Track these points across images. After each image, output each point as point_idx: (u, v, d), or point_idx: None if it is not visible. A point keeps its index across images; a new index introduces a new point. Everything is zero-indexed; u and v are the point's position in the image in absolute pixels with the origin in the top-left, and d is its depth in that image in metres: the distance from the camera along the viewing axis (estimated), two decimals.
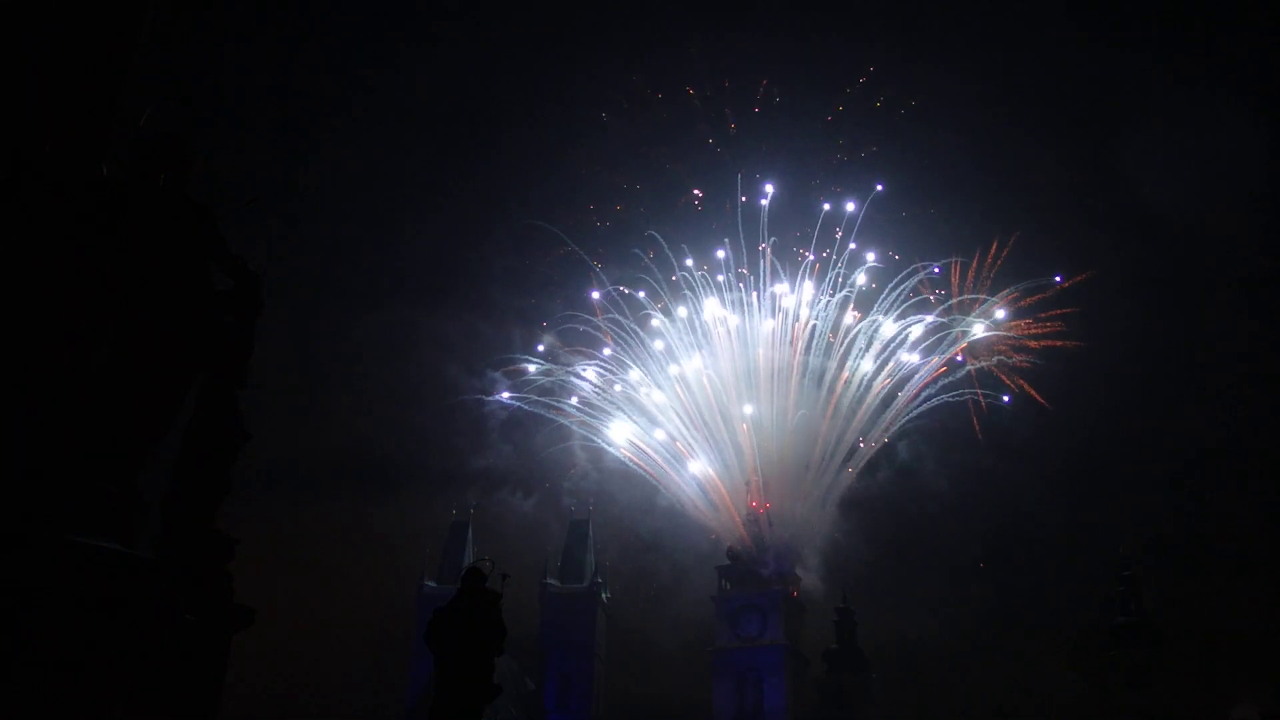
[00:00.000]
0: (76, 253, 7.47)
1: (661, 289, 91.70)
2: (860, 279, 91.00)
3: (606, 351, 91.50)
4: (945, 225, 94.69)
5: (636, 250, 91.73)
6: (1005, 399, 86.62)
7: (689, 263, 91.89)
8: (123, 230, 7.75)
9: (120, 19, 8.01)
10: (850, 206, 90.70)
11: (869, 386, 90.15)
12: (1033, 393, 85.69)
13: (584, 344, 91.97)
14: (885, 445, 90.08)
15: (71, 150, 7.64)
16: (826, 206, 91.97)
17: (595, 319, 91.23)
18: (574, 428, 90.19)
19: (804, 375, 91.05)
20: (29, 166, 7.32)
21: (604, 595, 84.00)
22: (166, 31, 8.80)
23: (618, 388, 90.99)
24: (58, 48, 7.64)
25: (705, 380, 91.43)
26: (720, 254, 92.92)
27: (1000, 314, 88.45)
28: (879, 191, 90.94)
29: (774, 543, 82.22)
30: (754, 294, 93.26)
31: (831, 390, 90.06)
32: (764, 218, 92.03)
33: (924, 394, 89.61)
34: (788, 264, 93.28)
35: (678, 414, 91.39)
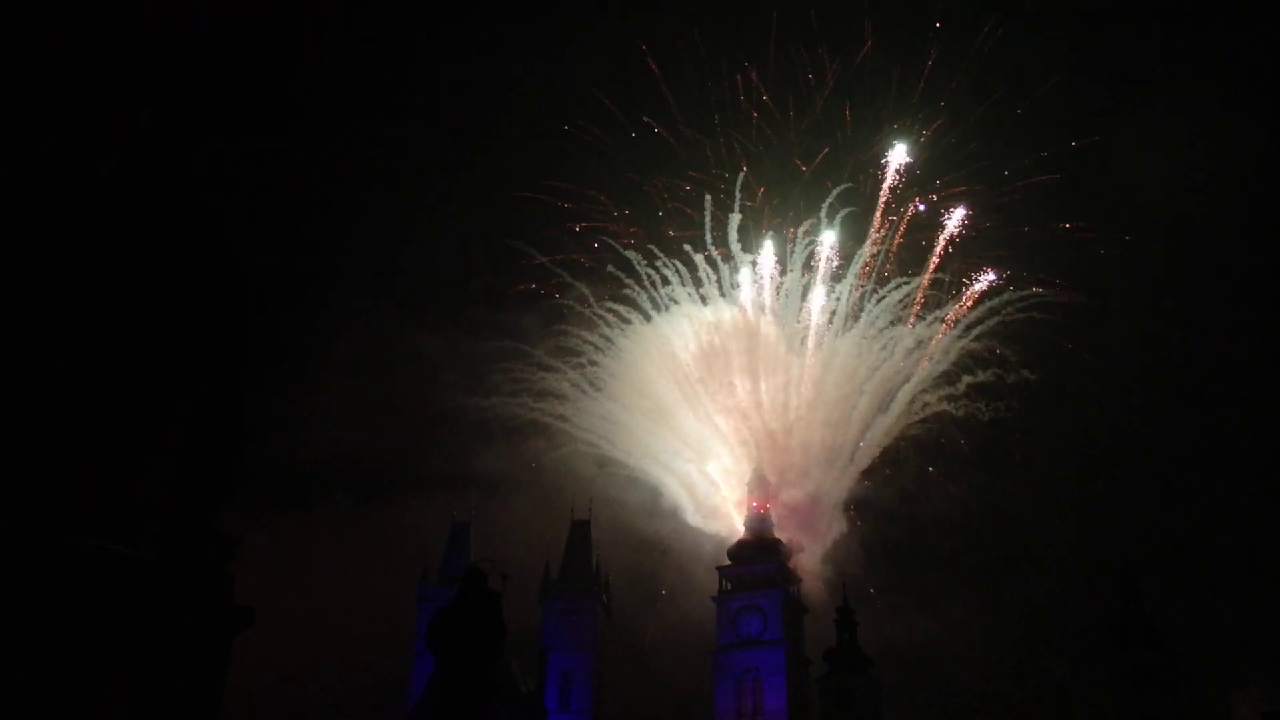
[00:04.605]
0: (78, 255, 7.48)
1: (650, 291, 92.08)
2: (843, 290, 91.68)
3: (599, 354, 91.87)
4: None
5: (614, 269, 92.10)
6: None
7: (672, 277, 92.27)
8: (126, 233, 7.76)
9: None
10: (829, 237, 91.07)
11: (871, 390, 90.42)
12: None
13: (577, 351, 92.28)
14: (887, 448, 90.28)
15: (73, 151, 7.65)
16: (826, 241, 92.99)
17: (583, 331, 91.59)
18: (574, 431, 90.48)
19: (804, 377, 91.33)
20: (32, 167, 7.33)
21: (604, 595, 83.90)
22: (165, 34, 8.82)
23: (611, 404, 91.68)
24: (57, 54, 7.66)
25: (706, 382, 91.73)
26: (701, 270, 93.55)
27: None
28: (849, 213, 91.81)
29: (775, 542, 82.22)
30: (748, 301, 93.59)
31: (834, 392, 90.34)
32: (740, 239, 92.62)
33: (923, 400, 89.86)
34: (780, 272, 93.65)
35: (678, 414, 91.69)
